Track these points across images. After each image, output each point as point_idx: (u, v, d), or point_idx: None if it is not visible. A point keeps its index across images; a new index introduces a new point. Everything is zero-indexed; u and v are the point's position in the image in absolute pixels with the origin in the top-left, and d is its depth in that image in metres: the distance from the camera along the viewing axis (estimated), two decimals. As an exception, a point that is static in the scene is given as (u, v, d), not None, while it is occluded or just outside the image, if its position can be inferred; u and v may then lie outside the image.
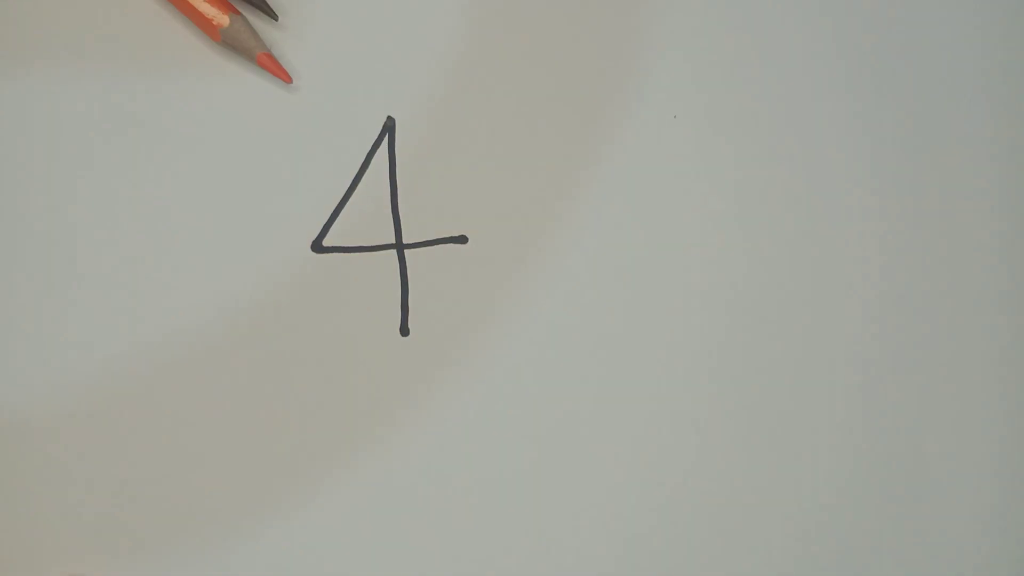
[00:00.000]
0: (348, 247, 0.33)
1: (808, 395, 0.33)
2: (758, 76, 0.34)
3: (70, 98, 0.32)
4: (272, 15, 0.33)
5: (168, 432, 0.32)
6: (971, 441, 0.33)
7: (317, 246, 0.33)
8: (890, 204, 0.34)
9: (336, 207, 0.33)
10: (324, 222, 0.33)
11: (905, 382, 0.33)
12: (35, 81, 0.32)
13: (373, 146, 0.33)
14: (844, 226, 0.34)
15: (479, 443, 0.32)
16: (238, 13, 0.32)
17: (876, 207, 0.34)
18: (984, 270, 0.34)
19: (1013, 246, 0.34)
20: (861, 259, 0.34)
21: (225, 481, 0.32)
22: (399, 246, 0.33)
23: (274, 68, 0.32)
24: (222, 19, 0.32)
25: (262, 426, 0.32)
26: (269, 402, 0.32)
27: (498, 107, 0.33)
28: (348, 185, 0.33)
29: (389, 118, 0.33)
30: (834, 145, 0.34)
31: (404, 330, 0.33)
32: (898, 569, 0.33)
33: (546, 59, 0.34)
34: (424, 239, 0.33)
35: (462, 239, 0.33)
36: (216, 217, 0.32)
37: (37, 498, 0.31)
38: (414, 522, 0.32)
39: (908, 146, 0.34)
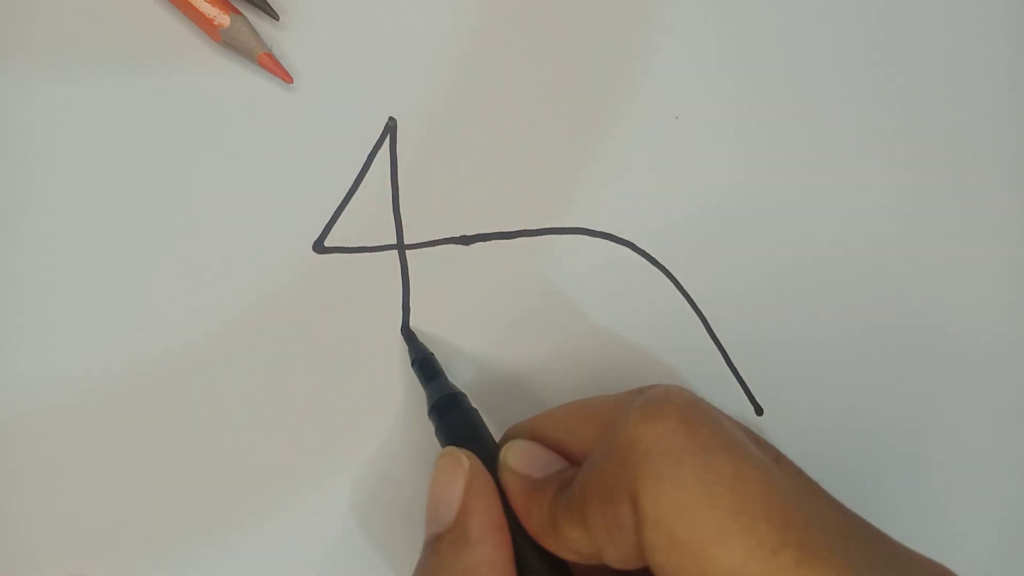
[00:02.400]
0: (350, 247, 0.33)
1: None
2: (759, 77, 0.34)
3: (70, 98, 0.32)
4: (273, 15, 0.33)
5: (169, 432, 0.32)
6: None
7: (319, 246, 0.33)
8: (891, 204, 0.34)
9: (338, 208, 0.33)
10: (326, 223, 0.33)
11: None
12: (35, 81, 0.32)
13: (374, 147, 0.33)
14: (845, 227, 0.34)
15: (480, 443, 0.33)
16: (239, 13, 0.32)
17: (877, 207, 0.34)
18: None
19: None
20: (865, 261, 0.34)
21: (226, 481, 0.32)
22: (400, 247, 0.33)
23: (275, 68, 0.32)
24: (223, 19, 0.32)
25: (263, 426, 0.32)
26: (270, 402, 0.32)
27: (499, 108, 0.33)
28: (350, 186, 0.33)
29: (390, 119, 0.33)
30: (835, 145, 0.34)
31: (406, 330, 0.33)
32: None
33: (547, 60, 0.34)
34: (425, 240, 0.33)
35: (463, 240, 0.33)
36: (217, 217, 0.32)
37: (37, 498, 0.31)
38: (414, 522, 0.32)
39: (910, 146, 0.35)
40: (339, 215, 0.33)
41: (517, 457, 0.27)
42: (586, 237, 0.33)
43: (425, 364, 0.31)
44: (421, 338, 0.32)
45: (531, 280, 0.33)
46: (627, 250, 0.33)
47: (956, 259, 0.34)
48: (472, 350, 0.33)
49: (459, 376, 0.33)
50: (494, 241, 0.33)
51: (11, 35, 0.32)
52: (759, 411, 0.33)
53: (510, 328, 0.33)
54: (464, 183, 0.33)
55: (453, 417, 0.29)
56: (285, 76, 0.32)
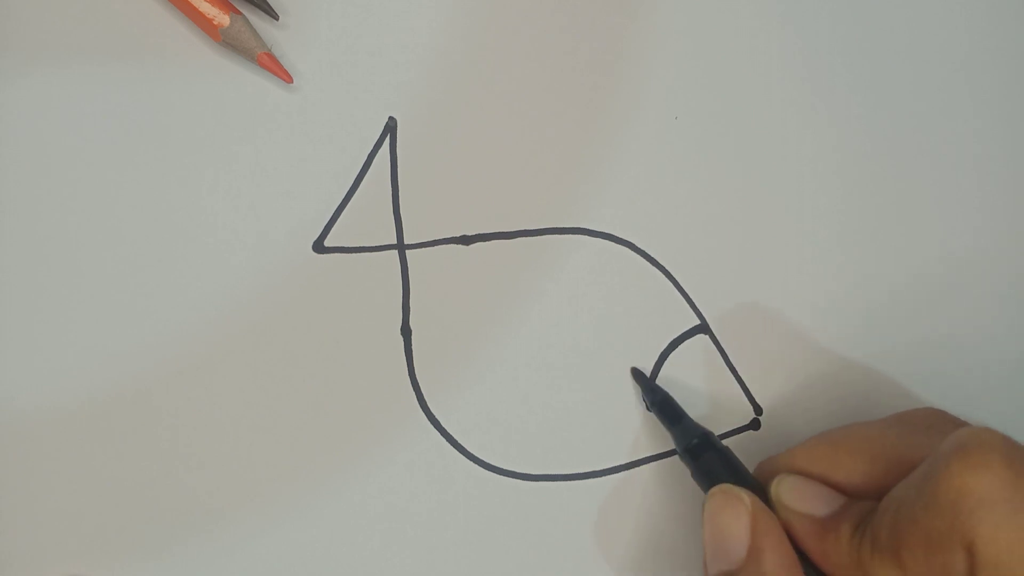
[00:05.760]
0: (350, 247, 0.33)
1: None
2: (758, 77, 0.34)
3: (70, 98, 0.32)
4: (273, 15, 0.33)
5: (169, 432, 0.32)
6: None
7: (319, 246, 0.33)
8: (892, 203, 0.34)
9: (338, 207, 0.33)
10: (326, 222, 0.33)
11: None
12: (35, 81, 0.32)
13: (375, 147, 0.33)
14: (845, 227, 0.34)
15: (480, 443, 0.33)
16: (239, 13, 0.32)
17: (877, 206, 0.34)
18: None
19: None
20: (865, 261, 0.34)
21: (225, 481, 0.32)
22: (400, 246, 0.33)
23: (275, 68, 0.32)
24: (223, 19, 0.32)
25: (263, 426, 0.32)
26: (270, 402, 0.32)
27: (499, 108, 0.34)
28: (350, 185, 0.33)
29: (391, 118, 0.33)
30: (835, 145, 0.34)
31: (405, 330, 0.33)
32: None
33: (547, 60, 0.34)
34: (425, 240, 0.33)
35: (463, 240, 0.33)
36: (217, 217, 0.32)
37: (37, 498, 0.31)
38: (414, 521, 0.32)
39: (906, 146, 0.35)
40: (339, 215, 0.33)
41: (794, 494, 0.28)
42: (586, 237, 0.33)
43: (666, 406, 0.32)
44: (421, 337, 0.32)
45: (531, 280, 0.33)
46: (627, 250, 0.33)
47: (957, 259, 0.34)
48: (473, 350, 0.33)
49: (462, 380, 0.33)
50: (494, 241, 0.33)
51: (11, 35, 0.32)
52: (759, 411, 0.33)
53: (509, 328, 0.33)
54: (464, 183, 0.33)
55: (710, 458, 0.30)
56: (285, 76, 0.32)
